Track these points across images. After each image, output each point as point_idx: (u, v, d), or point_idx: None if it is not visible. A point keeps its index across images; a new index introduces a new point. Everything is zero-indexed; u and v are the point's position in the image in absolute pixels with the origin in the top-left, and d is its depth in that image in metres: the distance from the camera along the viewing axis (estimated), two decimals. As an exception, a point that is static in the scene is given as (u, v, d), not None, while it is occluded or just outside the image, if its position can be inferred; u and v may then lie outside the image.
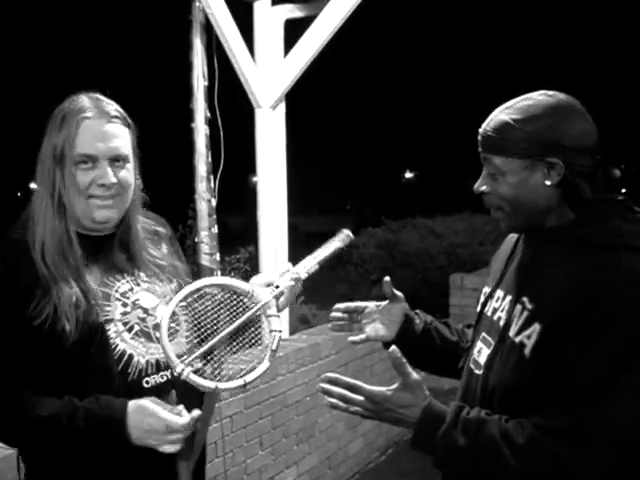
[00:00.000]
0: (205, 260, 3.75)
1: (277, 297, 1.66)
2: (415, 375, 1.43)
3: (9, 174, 29.63)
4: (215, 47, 3.86)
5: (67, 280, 1.59)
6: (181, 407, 1.54)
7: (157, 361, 1.65)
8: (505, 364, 1.45)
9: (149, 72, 21.57)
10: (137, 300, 1.68)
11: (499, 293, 1.58)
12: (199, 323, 1.61)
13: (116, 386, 1.58)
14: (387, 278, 1.81)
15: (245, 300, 1.63)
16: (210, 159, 3.79)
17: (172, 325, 1.60)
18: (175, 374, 1.52)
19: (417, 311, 1.87)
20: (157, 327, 1.64)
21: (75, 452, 1.58)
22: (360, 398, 1.44)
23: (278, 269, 1.74)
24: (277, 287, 1.67)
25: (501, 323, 1.50)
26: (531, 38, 26.88)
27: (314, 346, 3.98)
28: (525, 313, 1.43)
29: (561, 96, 1.45)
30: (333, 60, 5.93)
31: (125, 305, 1.65)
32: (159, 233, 1.85)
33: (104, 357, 1.59)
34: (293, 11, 4.02)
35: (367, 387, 1.44)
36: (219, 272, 3.85)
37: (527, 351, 1.39)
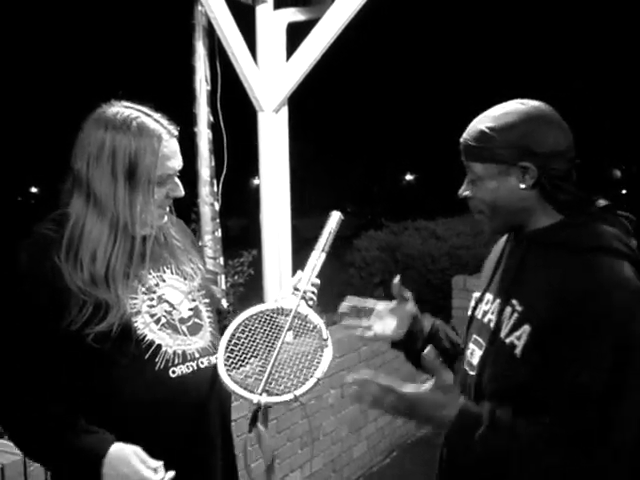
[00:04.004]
0: (209, 264, 3.75)
1: (304, 297, 1.77)
2: (451, 375, 1.47)
3: (9, 178, 29.60)
4: (217, 51, 3.87)
5: (105, 281, 1.62)
6: (160, 463, 1.58)
7: (183, 352, 1.70)
8: (497, 364, 1.52)
9: (151, 76, 21.59)
10: (163, 295, 1.73)
11: (488, 296, 1.65)
12: (249, 351, 1.69)
13: (145, 375, 1.63)
14: (397, 279, 1.86)
15: (277, 316, 1.74)
16: (213, 163, 3.80)
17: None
18: (254, 406, 1.59)
19: (425, 314, 1.92)
20: (182, 321, 1.73)
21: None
22: (393, 399, 1.47)
23: (293, 279, 1.84)
24: (297, 290, 1.78)
25: (492, 325, 1.57)
26: (534, 40, 26.89)
27: (318, 349, 3.95)
28: (515, 315, 1.50)
29: (534, 104, 1.54)
30: (336, 64, 5.94)
31: (151, 299, 1.70)
32: (186, 235, 1.93)
33: (133, 347, 1.63)
34: (295, 15, 4.01)
35: (400, 389, 1.47)
36: (223, 276, 3.85)
37: (518, 351, 1.46)
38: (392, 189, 33.71)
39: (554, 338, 1.39)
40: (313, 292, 1.83)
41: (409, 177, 38.93)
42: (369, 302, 1.90)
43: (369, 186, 32.00)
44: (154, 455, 1.61)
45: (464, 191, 1.61)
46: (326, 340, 1.66)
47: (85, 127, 1.67)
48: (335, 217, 1.91)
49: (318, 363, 1.62)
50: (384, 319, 1.87)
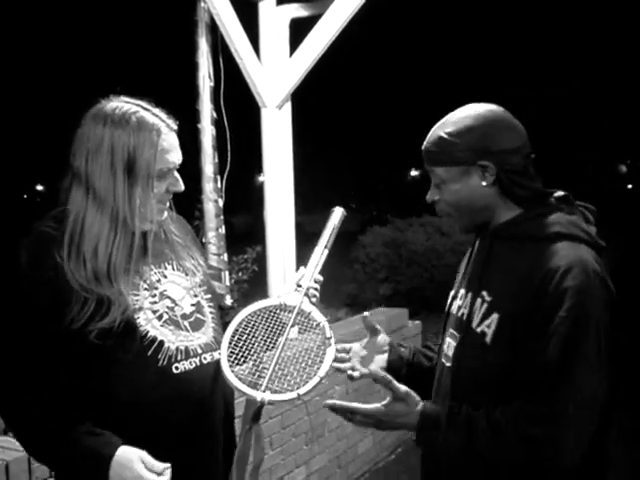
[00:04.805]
0: (213, 260, 3.75)
1: (307, 294, 1.76)
2: (403, 387, 1.57)
3: (16, 177, 29.68)
4: (220, 47, 3.86)
5: (107, 276, 1.62)
6: (167, 466, 1.57)
7: (186, 348, 1.70)
8: (470, 353, 1.61)
9: (155, 73, 21.60)
10: (165, 291, 1.73)
11: (462, 292, 1.74)
12: (252, 348, 1.67)
13: (147, 371, 1.63)
14: (366, 313, 1.96)
15: (280, 312, 1.73)
16: (216, 160, 3.80)
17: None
18: (258, 404, 1.58)
19: (399, 342, 2.00)
20: (185, 317, 1.73)
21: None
22: (360, 418, 1.58)
23: (296, 275, 1.83)
24: (300, 286, 1.77)
25: (464, 317, 1.66)
26: (537, 36, 26.81)
27: (322, 345, 3.95)
28: (485, 305, 1.59)
29: (487, 107, 1.63)
30: (339, 59, 5.93)
31: (153, 295, 1.70)
32: (186, 231, 1.92)
33: (135, 343, 1.63)
34: (298, 10, 4.01)
35: (363, 407, 1.58)
36: (227, 272, 3.85)
37: (488, 339, 1.55)
38: (397, 185, 33.68)
39: (520, 322, 1.48)
40: (316, 289, 1.82)
41: (414, 173, 38.87)
42: (345, 344, 1.93)
43: (374, 182, 31.97)
44: (158, 451, 1.61)
45: (432, 196, 1.69)
46: (329, 338, 1.65)
47: (84, 123, 1.66)
48: (338, 213, 1.91)
49: (321, 361, 1.61)
50: (364, 357, 1.92)
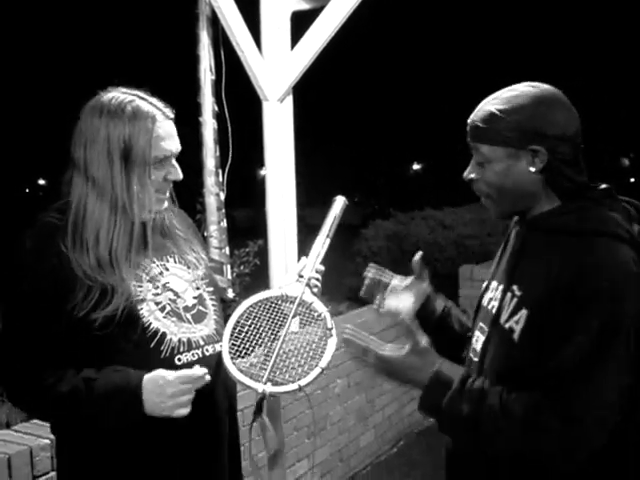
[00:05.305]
0: (214, 254, 3.75)
1: (308, 285, 1.75)
2: (424, 341, 1.51)
3: (18, 171, 29.68)
4: (222, 40, 3.84)
5: (110, 264, 1.64)
6: (203, 370, 1.60)
7: (189, 339, 1.71)
8: (497, 350, 1.54)
9: (156, 66, 21.58)
10: (167, 283, 1.74)
11: (494, 284, 1.66)
12: (254, 339, 1.67)
13: (150, 363, 1.63)
14: (418, 255, 1.87)
15: (281, 303, 1.73)
16: (218, 153, 3.79)
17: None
18: (259, 396, 1.59)
19: (439, 294, 1.92)
20: (187, 309, 1.73)
21: (95, 426, 1.63)
22: (372, 360, 1.53)
23: (297, 265, 1.83)
24: (302, 277, 1.77)
25: (494, 311, 1.58)
26: (542, 29, 26.72)
27: (324, 339, 3.94)
28: (514, 300, 1.51)
29: (544, 87, 1.52)
30: (341, 52, 5.91)
31: (156, 287, 1.71)
32: (188, 224, 1.93)
33: (138, 335, 1.64)
34: (300, 3, 3.98)
35: (378, 352, 1.52)
36: (229, 266, 3.85)
37: (516, 336, 1.47)
38: (399, 178, 33.63)
39: (548, 320, 1.40)
40: (318, 279, 1.82)
41: (416, 166, 38.81)
42: (386, 276, 1.89)
43: (376, 176, 31.93)
44: (161, 440, 1.63)
45: (469, 173, 1.59)
46: (331, 329, 1.64)
47: (82, 115, 1.70)
48: (340, 202, 1.89)
49: (322, 353, 1.61)
50: (399, 295, 1.86)
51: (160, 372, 1.59)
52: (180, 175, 1.74)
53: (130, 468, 1.66)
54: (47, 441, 2.35)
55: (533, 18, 27.18)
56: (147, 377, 1.59)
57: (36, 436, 2.39)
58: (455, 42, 28.07)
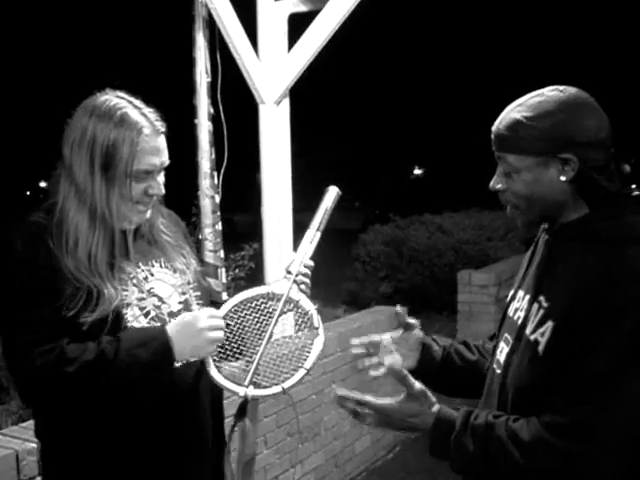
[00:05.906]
0: (209, 257, 3.72)
1: (296, 281, 1.67)
2: (418, 384, 1.46)
3: (19, 174, 29.72)
4: (218, 42, 3.82)
5: (90, 269, 1.62)
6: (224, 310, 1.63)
7: None
8: (520, 362, 1.46)
9: (151, 68, 21.60)
10: (152, 288, 1.72)
11: (520, 293, 1.59)
12: (238, 341, 1.63)
13: None
14: (400, 308, 1.81)
15: (267, 301, 1.66)
16: (213, 155, 3.77)
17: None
18: (241, 399, 1.56)
19: (434, 337, 1.85)
20: (172, 314, 1.71)
21: (128, 388, 1.60)
22: (370, 412, 1.47)
23: (286, 260, 1.75)
24: (289, 273, 1.68)
25: (519, 322, 1.51)
26: (544, 32, 26.76)
27: (319, 344, 3.92)
28: (541, 311, 1.44)
29: (572, 91, 1.44)
30: (338, 55, 5.89)
31: (141, 292, 1.69)
32: (177, 229, 1.91)
33: None
34: (297, 5, 3.97)
35: (375, 401, 1.47)
36: (223, 269, 3.82)
37: (540, 348, 1.39)
38: (398, 183, 33.64)
39: (573, 332, 1.33)
40: (306, 274, 1.73)
41: (417, 171, 38.84)
42: (374, 336, 1.80)
43: (376, 181, 31.94)
44: (144, 443, 1.62)
45: (496, 184, 1.51)
46: (317, 329, 1.59)
47: (75, 113, 1.68)
48: (332, 193, 1.78)
49: (308, 353, 1.56)
50: (392, 352, 1.79)
51: (184, 314, 1.63)
52: (162, 191, 1.70)
53: (113, 472, 1.64)
54: (34, 445, 2.31)
55: (533, 23, 27.20)
56: (170, 324, 1.62)
57: (23, 440, 2.35)
58: (454, 47, 28.08)
